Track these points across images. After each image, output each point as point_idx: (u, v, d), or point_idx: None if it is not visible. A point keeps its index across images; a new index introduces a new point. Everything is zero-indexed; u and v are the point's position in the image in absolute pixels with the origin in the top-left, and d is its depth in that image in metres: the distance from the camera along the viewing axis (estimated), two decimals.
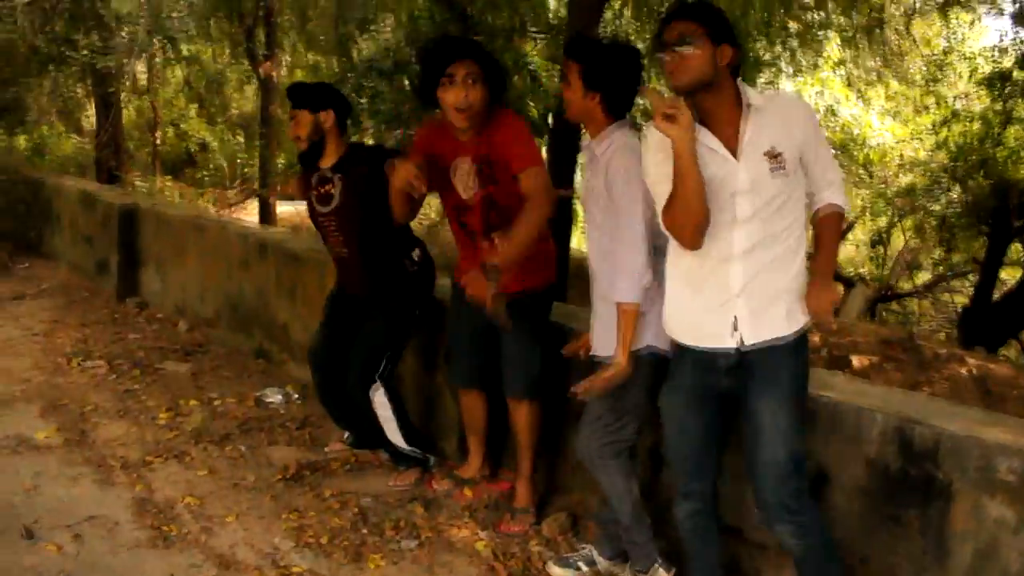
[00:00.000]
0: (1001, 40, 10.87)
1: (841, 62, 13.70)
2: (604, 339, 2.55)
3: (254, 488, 3.35)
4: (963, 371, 6.09)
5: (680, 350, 2.34)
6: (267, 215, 10.96)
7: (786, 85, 13.72)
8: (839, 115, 13.53)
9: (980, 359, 6.62)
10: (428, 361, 3.80)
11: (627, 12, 7.40)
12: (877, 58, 15.07)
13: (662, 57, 2.13)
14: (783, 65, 13.11)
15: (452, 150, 3.03)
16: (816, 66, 13.65)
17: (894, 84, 14.98)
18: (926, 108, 13.06)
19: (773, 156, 2.14)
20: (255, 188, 11.80)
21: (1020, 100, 10.77)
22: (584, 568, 2.83)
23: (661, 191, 2.19)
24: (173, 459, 3.57)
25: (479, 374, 3.30)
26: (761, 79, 11.61)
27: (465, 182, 3.05)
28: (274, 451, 3.74)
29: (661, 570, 2.65)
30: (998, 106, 10.78)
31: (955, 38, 12.70)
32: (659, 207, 2.22)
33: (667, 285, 2.32)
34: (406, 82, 6.44)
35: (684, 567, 2.61)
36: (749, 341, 2.20)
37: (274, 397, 4.36)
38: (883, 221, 14.30)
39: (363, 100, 7.17)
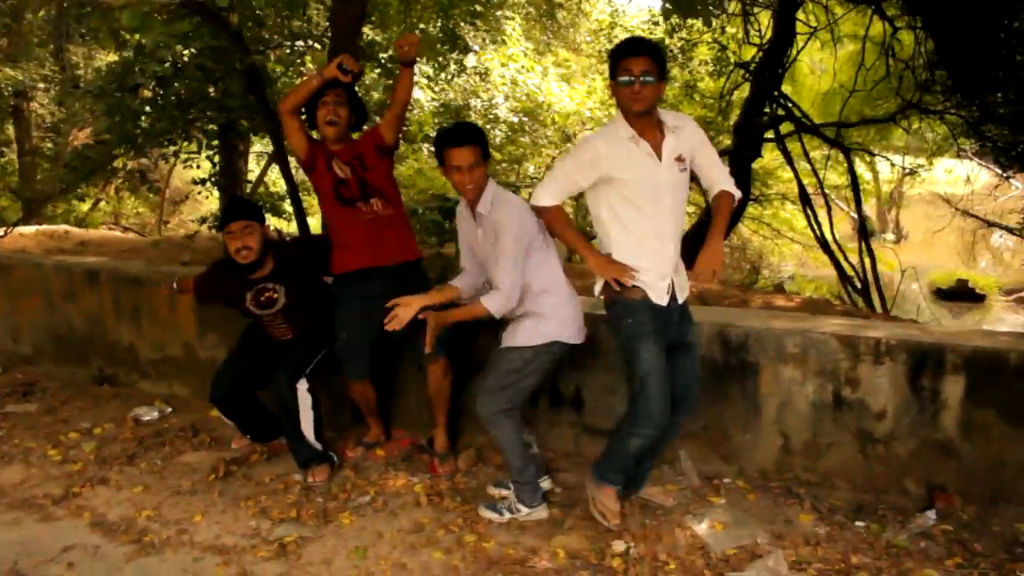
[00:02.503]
0: (651, 13, 12.75)
1: (522, 37, 15.23)
2: (512, 334, 3.26)
3: (196, 491, 3.65)
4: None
5: (642, 306, 3.00)
6: None
7: (471, 60, 14.99)
8: (521, 85, 14.98)
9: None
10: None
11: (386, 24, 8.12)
12: (548, 32, 16.88)
13: (630, 83, 2.80)
14: (470, 42, 14.33)
15: (329, 155, 3.75)
16: (500, 42, 15.04)
17: (562, 52, 16.92)
18: (600, 74, 14.86)
19: (679, 160, 2.96)
20: None
21: (673, 63, 12.83)
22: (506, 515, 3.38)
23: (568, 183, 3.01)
24: (99, 485, 3.72)
25: (373, 364, 3.89)
26: (454, 55, 12.69)
27: (340, 165, 3.75)
28: (188, 458, 4.01)
29: (542, 509, 3.35)
30: None
31: (618, 13, 14.60)
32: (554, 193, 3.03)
33: (618, 256, 3.01)
34: (174, 97, 6.50)
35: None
36: (679, 301, 3.09)
37: (150, 415, 4.54)
38: None
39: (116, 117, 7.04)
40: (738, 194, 3.11)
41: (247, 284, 3.73)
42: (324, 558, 3.07)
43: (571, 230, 3.13)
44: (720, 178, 3.09)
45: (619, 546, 3.08)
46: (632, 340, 2.97)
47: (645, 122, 2.94)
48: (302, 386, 3.73)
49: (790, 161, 9.34)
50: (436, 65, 12.56)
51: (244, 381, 3.90)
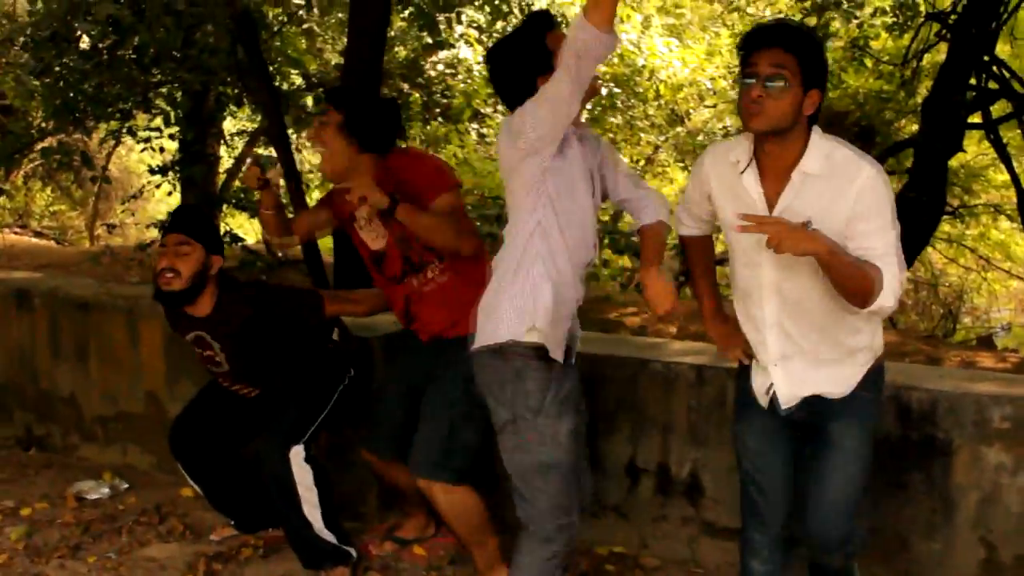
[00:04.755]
0: None
1: None
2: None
3: None
4: None
5: None
6: None
7: (541, 2, 15.33)
8: None
9: None
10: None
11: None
12: None
13: (748, 85, 2.73)
14: None
15: (344, 212, 3.97)
16: None
17: None
18: (726, 26, 15.03)
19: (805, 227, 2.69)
20: None
21: (835, 11, 12.99)
22: None
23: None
24: None
25: (405, 443, 3.97)
26: None
27: (369, 228, 3.93)
28: (154, 551, 4.31)
29: None
30: (812, 20, 12.86)
31: None
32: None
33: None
34: (132, 51, 6.89)
35: None
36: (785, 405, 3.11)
37: (98, 492, 4.87)
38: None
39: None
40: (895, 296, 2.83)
41: (185, 322, 4.04)
42: None
43: (703, 279, 3.34)
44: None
45: None
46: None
47: (775, 146, 2.82)
48: (297, 456, 3.92)
49: (1006, 158, 9.43)
50: (490, 10, 12.80)
51: (216, 428, 4.23)
